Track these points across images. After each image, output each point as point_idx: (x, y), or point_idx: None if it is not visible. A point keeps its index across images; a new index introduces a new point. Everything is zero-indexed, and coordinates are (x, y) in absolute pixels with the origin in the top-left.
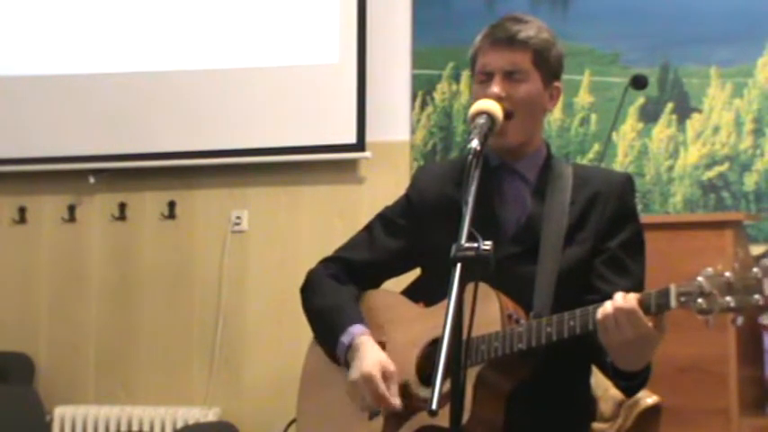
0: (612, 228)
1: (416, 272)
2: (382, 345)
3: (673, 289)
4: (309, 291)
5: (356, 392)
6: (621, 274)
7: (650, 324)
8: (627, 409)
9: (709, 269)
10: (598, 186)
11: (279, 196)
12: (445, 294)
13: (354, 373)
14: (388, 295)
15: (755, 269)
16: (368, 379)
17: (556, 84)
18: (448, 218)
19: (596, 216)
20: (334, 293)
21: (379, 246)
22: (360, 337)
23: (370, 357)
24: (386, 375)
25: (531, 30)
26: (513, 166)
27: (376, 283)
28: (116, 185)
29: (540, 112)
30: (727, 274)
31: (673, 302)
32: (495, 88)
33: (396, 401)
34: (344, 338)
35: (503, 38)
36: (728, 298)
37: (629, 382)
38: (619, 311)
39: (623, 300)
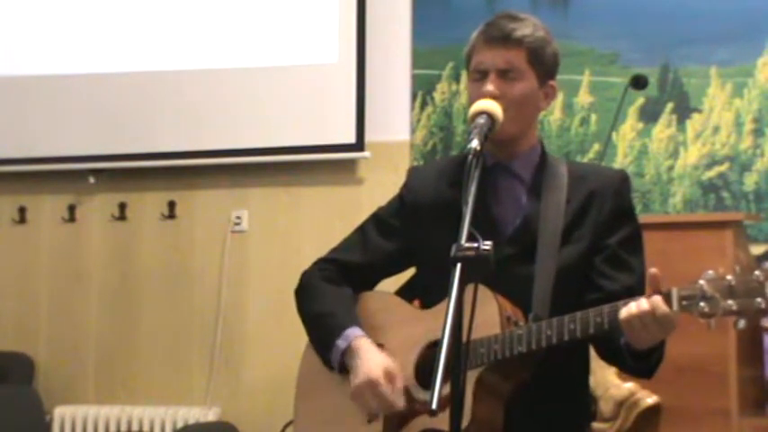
0: (611, 225)
1: (411, 271)
2: (379, 347)
3: (674, 292)
4: (304, 294)
5: (362, 397)
6: (623, 269)
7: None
8: (627, 409)
9: (711, 272)
10: (594, 184)
11: (279, 196)
12: (442, 294)
13: (358, 379)
14: (384, 297)
15: (757, 272)
16: (373, 384)
17: (551, 82)
18: (443, 218)
19: (594, 214)
20: (329, 297)
21: (373, 247)
22: (357, 339)
23: (372, 360)
24: (390, 377)
25: (527, 28)
26: (508, 165)
27: (370, 284)
28: (116, 185)
29: (534, 110)
30: (729, 277)
31: (675, 306)
32: (490, 87)
33: (400, 403)
34: (340, 342)
35: (497, 36)
36: (730, 301)
37: (646, 362)
38: (644, 314)
39: (648, 303)
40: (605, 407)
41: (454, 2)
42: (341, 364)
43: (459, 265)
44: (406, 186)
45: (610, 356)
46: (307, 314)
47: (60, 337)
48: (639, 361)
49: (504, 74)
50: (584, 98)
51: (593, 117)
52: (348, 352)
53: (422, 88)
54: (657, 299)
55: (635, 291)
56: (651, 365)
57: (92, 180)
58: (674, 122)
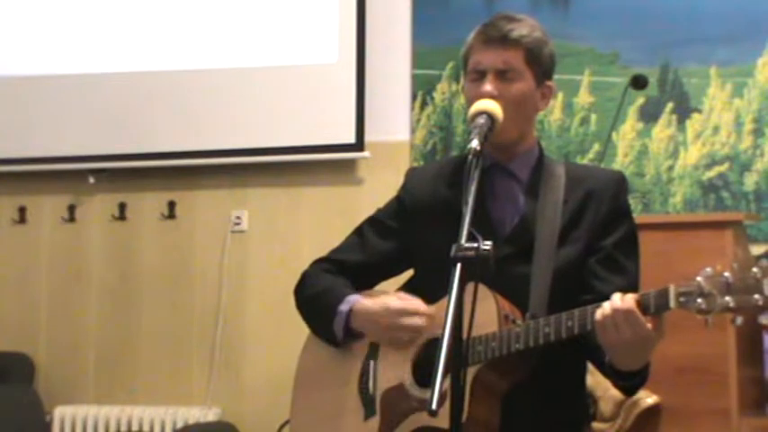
0: (607, 226)
1: (410, 272)
2: (377, 346)
3: (672, 289)
4: (301, 287)
5: (395, 330)
6: (616, 272)
7: (648, 325)
8: (627, 409)
9: (709, 269)
10: (591, 185)
11: (279, 196)
12: (440, 294)
13: (383, 319)
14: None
15: (755, 269)
16: (399, 312)
17: (548, 83)
18: (441, 218)
19: (590, 215)
20: (326, 281)
21: (371, 248)
22: (359, 302)
23: (382, 301)
24: (407, 302)
25: (524, 28)
26: (506, 165)
27: (368, 285)
28: (116, 185)
29: (531, 111)
30: (727, 274)
31: (672, 303)
32: (488, 87)
33: (429, 310)
34: (343, 306)
35: (495, 36)
36: (728, 298)
37: (628, 382)
38: (617, 312)
39: (621, 300)
40: (605, 407)
41: (454, 2)
42: (346, 330)
43: (459, 265)
44: (403, 188)
45: (598, 368)
46: (304, 300)
47: (60, 337)
48: (622, 380)
49: (503, 74)
50: (584, 98)
51: (593, 117)
52: (353, 314)
53: (422, 88)
54: (629, 297)
55: (627, 294)
56: (634, 385)
57: (92, 180)
58: (674, 122)
